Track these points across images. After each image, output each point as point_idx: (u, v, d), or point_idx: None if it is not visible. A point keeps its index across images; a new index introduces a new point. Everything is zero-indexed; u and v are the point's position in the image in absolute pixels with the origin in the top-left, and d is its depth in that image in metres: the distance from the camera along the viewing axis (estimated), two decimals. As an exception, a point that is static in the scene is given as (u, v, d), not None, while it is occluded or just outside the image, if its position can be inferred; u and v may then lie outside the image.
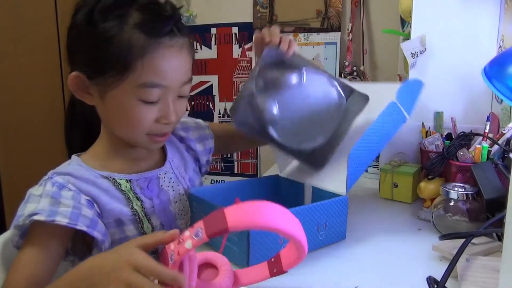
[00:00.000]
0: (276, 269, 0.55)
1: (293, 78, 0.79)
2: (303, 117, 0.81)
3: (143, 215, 0.71)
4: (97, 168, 0.70)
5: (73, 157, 0.72)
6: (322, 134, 0.80)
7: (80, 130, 0.78)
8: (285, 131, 0.80)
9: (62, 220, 0.60)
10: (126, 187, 0.71)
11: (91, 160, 0.71)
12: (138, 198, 0.71)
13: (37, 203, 0.62)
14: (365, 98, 0.79)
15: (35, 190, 0.64)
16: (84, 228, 0.61)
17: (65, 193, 0.64)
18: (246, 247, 0.61)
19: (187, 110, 2.04)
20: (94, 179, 0.68)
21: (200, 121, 0.91)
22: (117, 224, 0.69)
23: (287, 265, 0.54)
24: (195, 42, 2.00)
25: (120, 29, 0.61)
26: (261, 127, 0.79)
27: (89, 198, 0.66)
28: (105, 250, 0.66)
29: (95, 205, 0.66)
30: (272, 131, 0.79)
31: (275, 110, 0.78)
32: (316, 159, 0.82)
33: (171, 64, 0.65)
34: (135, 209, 0.70)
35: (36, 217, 0.59)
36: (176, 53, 0.65)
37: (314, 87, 0.80)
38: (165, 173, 0.77)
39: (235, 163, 2.11)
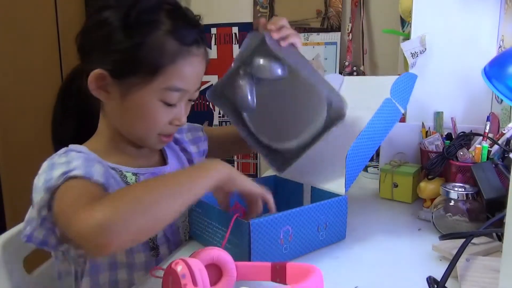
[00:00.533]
0: (279, 279, 0.56)
1: (278, 71, 0.76)
2: (280, 113, 0.81)
3: None
4: (104, 158, 0.70)
5: (77, 146, 0.70)
6: (296, 138, 0.79)
7: (73, 124, 0.77)
8: (259, 121, 0.81)
9: (99, 179, 0.59)
10: (131, 179, 0.71)
11: (95, 151, 0.70)
12: None
13: (66, 167, 0.59)
14: (341, 115, 0.74)
15: (57, 159, 0.62)
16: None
17: (96, 162, 0.64)
18: (247, 250, 0.61)
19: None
20: (103, 166, 0.67)
21: (195, 124, 0.92)
22: None
23: (291, 281, 0.55)
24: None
25: (154, 34, 0.64)
26: (235, 108, 0.82)
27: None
28: None
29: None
30: (246, 118, 0.81)
31: (252, 97, 0.79)
32: (279, 160, 0.82)
33: (194, 71, 0.69)
34: None
35: (73, 173, 0.57)
36: (200, 61, 0.70)
37: (298, 88, 0.79)
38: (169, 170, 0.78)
39: (235, 163, 2.11)
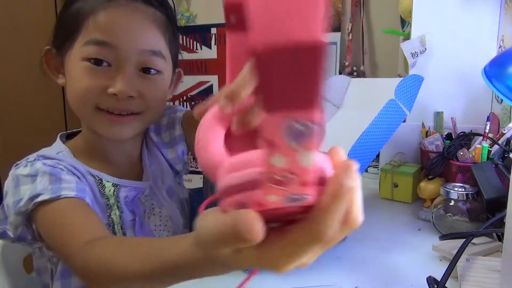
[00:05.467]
0: None
1: None
2: None
3: (119, 228, 0.65)
4: (85, 162, 0.65)
5: (60, 144, 0.67)
6: None
7: None
8: None
9: (69, 193, 0.55)
10: (110, 191, 0.65)
11: (77, 152, 0.67)
12: (118, 207, 0.65)
13: (31, 183, 0.57)
14: None
15: (21, 170, 0.59)
16: (90, 203, 0.57)
17: (63, 170, 0.59)
18: None
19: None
20: (83, 173, 0.63)
21: (175, 116, 0.76)
22: None
23: None
24: (195, 42, 2.00)
25: None
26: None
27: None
28: None
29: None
30: None
31: None
32: None
33: (121, 24, 0.59)
34: (112, 219, 0.64)
35: (41, 198, 0.54)
36: (129, 14, 0.60)
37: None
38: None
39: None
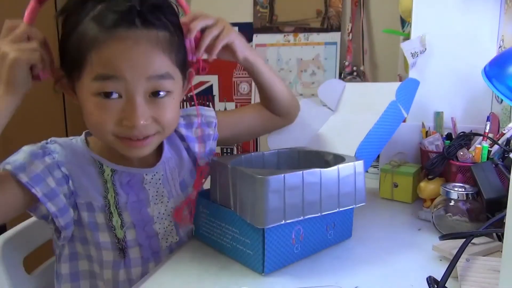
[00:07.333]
0: None
1: None
2: None
3: (114, 208, 0.69)
4: (94, 149, 0.71)
5: (83, 134, 0.74)
6: None
7: None
8: None
9: (23, 177, 0.61)
10: (108, 175, 0.70)
11: (90, 142, 0.73)
12: (114, 190, 0.70)
13: (16, 156, 0.64)
14: None
15: (31, 145, 0.66)
16: (39, 194, 0.61)
17: (47, 159, 0.65)
18: (261, 250, 0.61)
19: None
20: (82, 159, 0.69)
21: (210, 115, 0.84)
22: (88, 208, 0.68)
23: None
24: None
25: (80, 21, 0.59)
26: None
27: (67, 172, 0.66)
28: (63, 230, 0.67)
29: (70, 181, 0.66)
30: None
31: None
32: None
33: (124, 55, 0.59)
34: (108, 200, 0.69)
35: (6, 166, 0.61)
36: (132, 45, 0.59)
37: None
38: (154, 174, 0.74)
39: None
